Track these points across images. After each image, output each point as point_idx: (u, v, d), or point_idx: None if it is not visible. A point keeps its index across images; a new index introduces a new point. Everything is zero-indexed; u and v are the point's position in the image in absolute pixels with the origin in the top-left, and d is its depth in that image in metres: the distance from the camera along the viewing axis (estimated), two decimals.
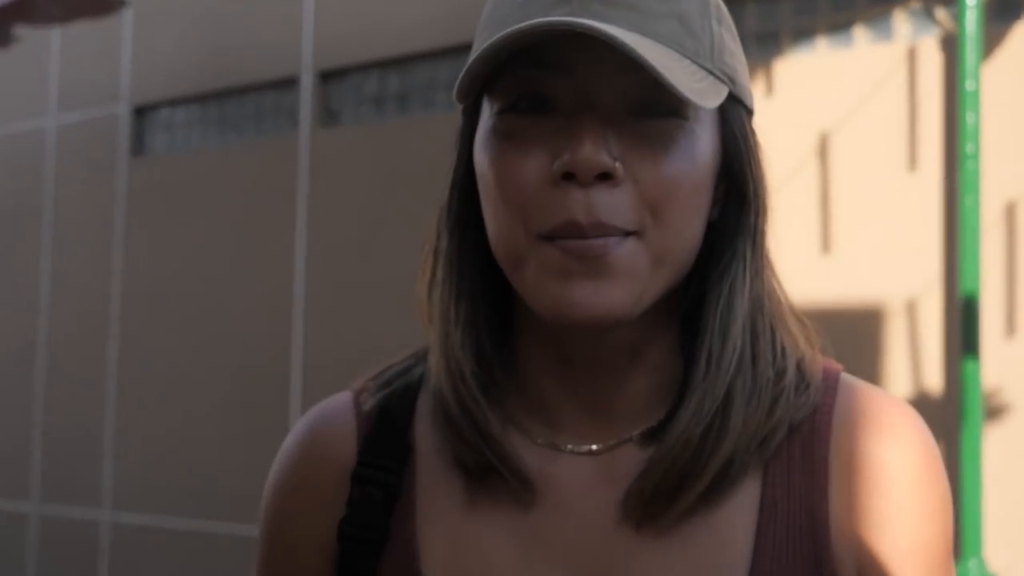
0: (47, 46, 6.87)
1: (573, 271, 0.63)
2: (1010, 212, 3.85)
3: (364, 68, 5.75)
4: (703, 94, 0.61)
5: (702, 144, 0.65)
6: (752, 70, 4.02)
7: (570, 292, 0.63)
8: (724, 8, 0.69)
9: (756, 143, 0.70)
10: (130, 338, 6.53)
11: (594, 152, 0.61)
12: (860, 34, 4.29)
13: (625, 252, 0.63)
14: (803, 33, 4.29)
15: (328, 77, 5.89)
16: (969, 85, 3.58)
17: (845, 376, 0.72)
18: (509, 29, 0.60)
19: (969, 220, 3.57)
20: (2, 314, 7.24)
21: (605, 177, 0.62)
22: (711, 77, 0.64)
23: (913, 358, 3.94)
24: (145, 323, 6.47)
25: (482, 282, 0.71)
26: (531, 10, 0.64)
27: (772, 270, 0.72)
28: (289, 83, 5.95)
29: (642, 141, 0.64)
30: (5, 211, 7.23)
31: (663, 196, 0.63)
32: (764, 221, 0.70)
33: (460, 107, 0.72)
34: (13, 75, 7.03)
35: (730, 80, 0.66)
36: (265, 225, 5.95)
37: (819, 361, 0.72)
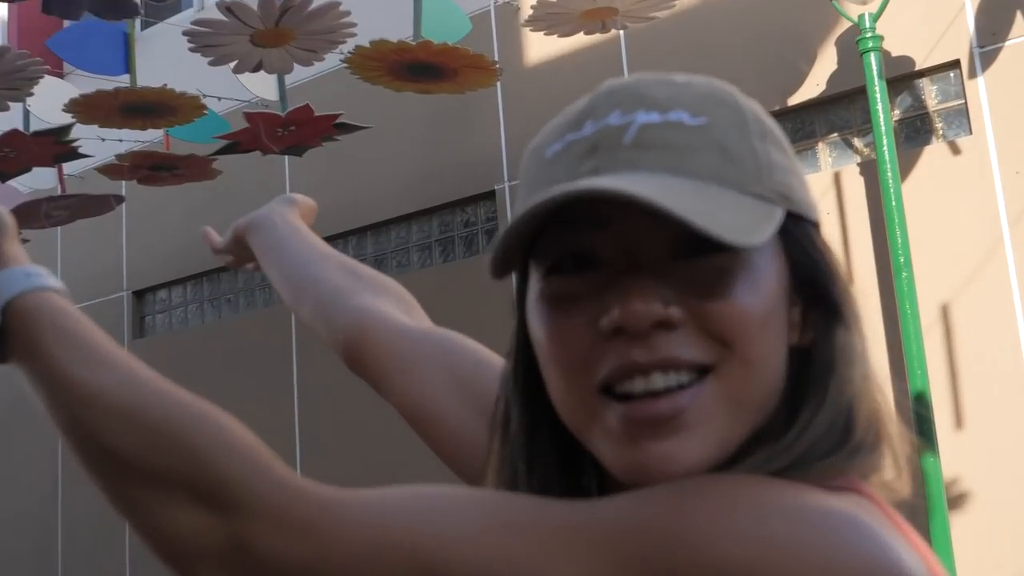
0: (53, 245, 7.30)
1: (640, 434, 0.57)
2: (944, 314, 4.16)
3: (343, 235, 6.19)
4: (750, 229, 0.56)
5: (763, 270, 0.60)
6: None
7: (642, 457, 0.57)
8: (767, 119, 0.64)
9: (829, 256, 0.63)
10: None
11: (643, 303, 0.56)
12: None
13: (701, 400, 0.57)
14: None
15: None
16: (893, 203, 3.94)
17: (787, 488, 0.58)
18: (528, 205, 0.57)
19: (911, 325, 3.87)
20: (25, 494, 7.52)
21: (661, 326, 0.57)
22: (761, 202, 0.59)
23: None
24: None
25: (557, 456, 0.66)
26: (560, 167, 0.61)
27: (875, 387, 0.63)
28: None
29: (697, 281, 0.58)
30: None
31: (732, 328, 0.58)
32: (858, 336, 0.63)
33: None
34: None
35: (784, 198, 0.60)
36: (264, 389, 6.23)
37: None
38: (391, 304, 0.92)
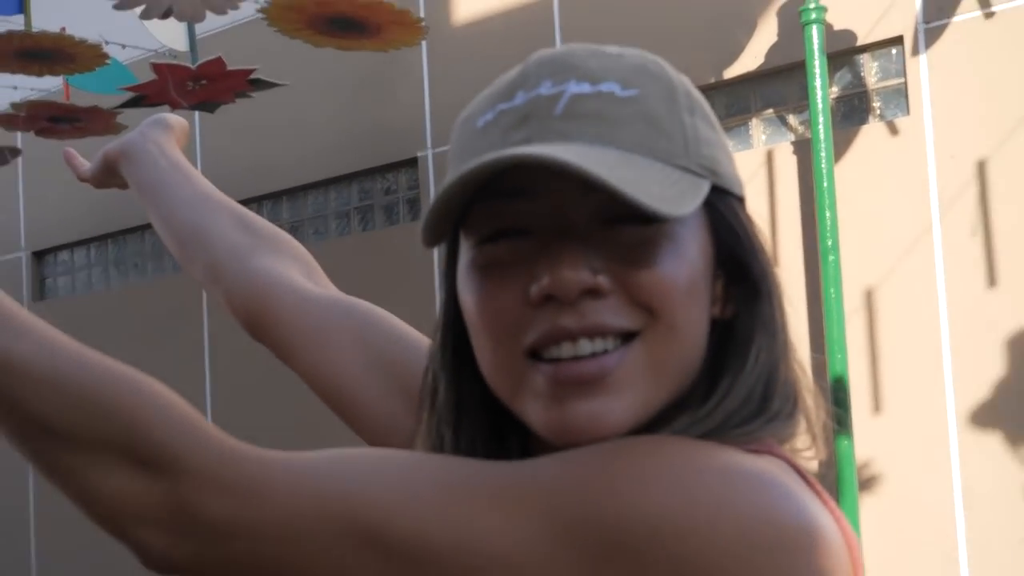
0: None
1: (567, 395, 0.61)
2: (868, 299, 4.17)
3: (257, 200, 6.08)
4: (676, 200, 0.59)
5: (688, 242, 0.63)
6: None
7: (569, 416, 0.61)
8: (695, 94, 0.67)
9: (753, 231, 0.67)
10: (47, 497, 6.58)
11: (573, 271, 0.60)
12: None
13: (627, 363, 0.62)
14: None
15: None
16: (824, 184, 3.94)
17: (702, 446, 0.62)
18: (459, 173, 0.60)
19: (834, 309, 3.89)
20: None
21: (590, 293, 0.61)
22: (688, 175, 0.62)
23: None
24: None
25: (484, 424, 0.69)
26: (491, 137, 0.64)
27: (794, 359, 0.67)
28: None
29: (624, 250, 0.62)
30: None
31: (657, 297, 0.61)
32: (778, 309, 0.67)
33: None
34: None
35: (710, 172, 0.64)
36: (173, 361, 5.87)
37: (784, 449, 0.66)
38: (293, 266, 0.92)
